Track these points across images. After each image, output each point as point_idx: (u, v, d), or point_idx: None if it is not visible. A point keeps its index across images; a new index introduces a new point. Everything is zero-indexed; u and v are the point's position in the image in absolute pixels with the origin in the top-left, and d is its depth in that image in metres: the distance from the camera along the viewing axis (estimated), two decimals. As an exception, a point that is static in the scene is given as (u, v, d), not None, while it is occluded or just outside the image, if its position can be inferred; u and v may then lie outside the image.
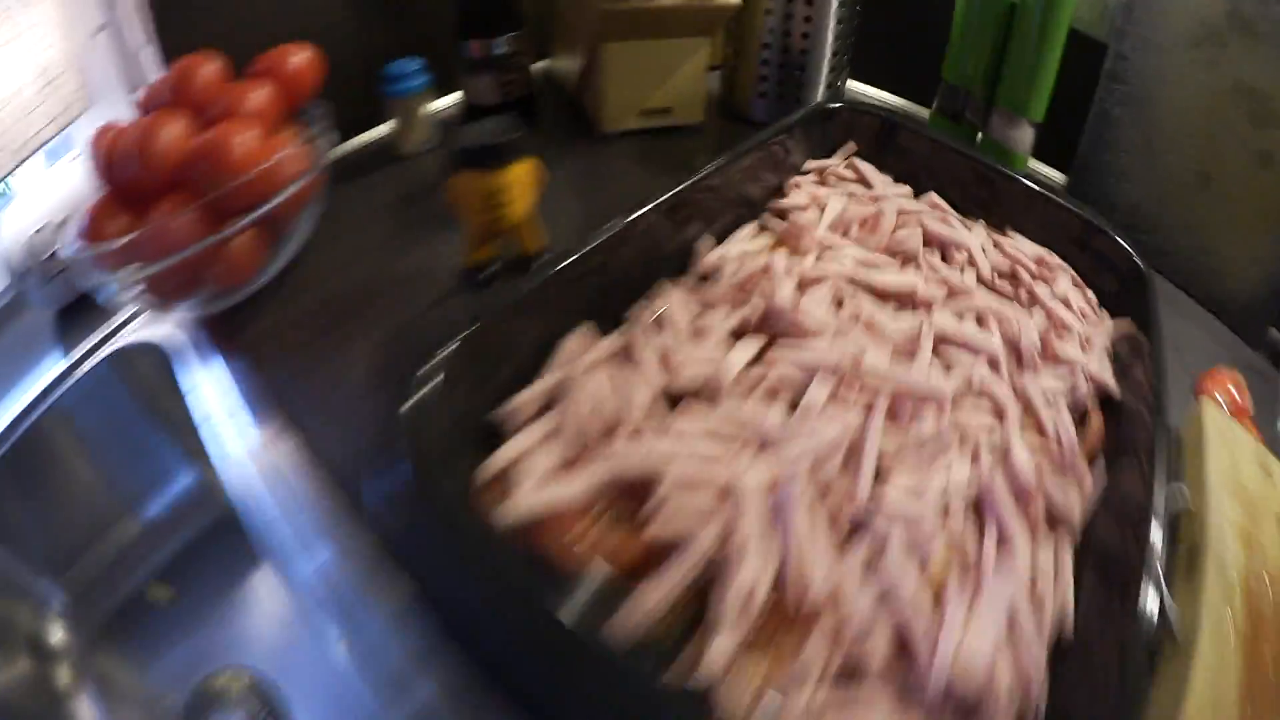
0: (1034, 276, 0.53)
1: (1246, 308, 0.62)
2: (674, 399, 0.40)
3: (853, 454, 0.38)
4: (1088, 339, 0.50)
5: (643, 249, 0.48)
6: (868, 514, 0.36)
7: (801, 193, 0.57)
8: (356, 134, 0.68)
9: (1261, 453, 0.50)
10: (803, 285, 0.47)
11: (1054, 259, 0.55)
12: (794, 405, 0.40)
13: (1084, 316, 0.52)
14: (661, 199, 0.49)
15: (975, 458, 0.40)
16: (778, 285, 0.46)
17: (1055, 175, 0.74)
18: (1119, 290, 0.55)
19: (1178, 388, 0.57)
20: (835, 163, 0.62)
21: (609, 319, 0.44)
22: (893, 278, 0.49)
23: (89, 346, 0.45)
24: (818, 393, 0.40)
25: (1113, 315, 0.53)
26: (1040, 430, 0.44)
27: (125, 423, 0.45)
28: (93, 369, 0.44)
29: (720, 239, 0.53)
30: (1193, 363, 0.58)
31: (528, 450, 0.34)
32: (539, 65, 0.79)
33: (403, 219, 0.57)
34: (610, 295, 0.45)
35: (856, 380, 0.41)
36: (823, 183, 0.61)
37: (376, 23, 0.65)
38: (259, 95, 0.41)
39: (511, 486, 0.32)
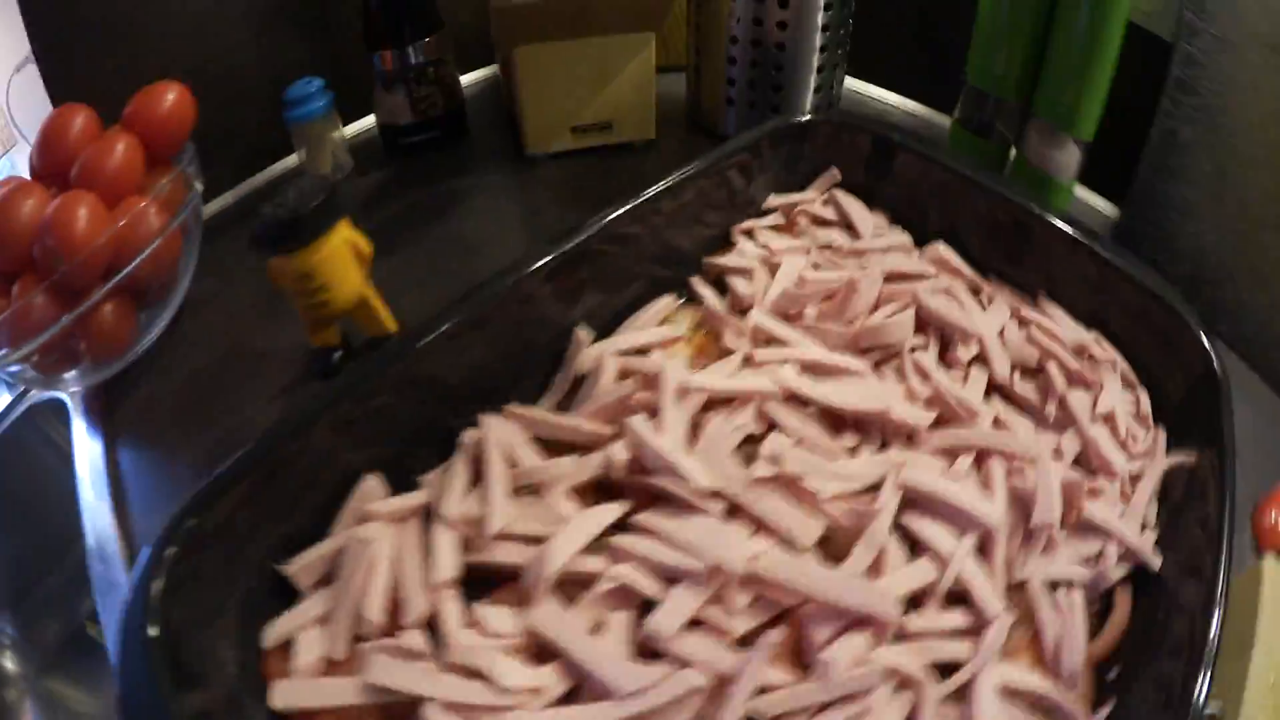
0: (1070, 379, 0.38)
1: (1334, 395, 0.48)
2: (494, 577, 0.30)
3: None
4: (1131, 481, 0.36)
5: (509, 336, 0.36)
6: None
7: (748, 247, 0.42)
8: (268, 165, 0.60)
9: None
10: (710, 407, 0.33)
11: (1102, 349, 0.40)
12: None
13: (1132, 441, 0.37)
14: (536, 263, 0.35)
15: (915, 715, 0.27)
16: (662, 417, 0.31)
17: (1104, 206, 0.57)
18: (1183, 398, 0.39)
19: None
20: (810, 198, 0.45)
21: (450, 438, 0.35)
22: (855, 394, 0.34)
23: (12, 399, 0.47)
24: (671, 616, 0.27)
25: (1169, 429, 0.38)
26: (1037, 648, 0.31)
27: (56, 466, 0.46)
28: (14, 420, 0.46)
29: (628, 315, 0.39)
30: (1254, 472, 0.44)
31: (303, 626, 0.29)
32: (481, 73, 0.70)
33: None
34: (457, 404, 0.35)
35: (749, 590, 0.28)
36: (789, 227, 0.44)
37: (286, 40, 0.58)
38: (118, 152, 0.40)
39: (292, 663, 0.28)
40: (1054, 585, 0.32)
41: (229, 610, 0.28)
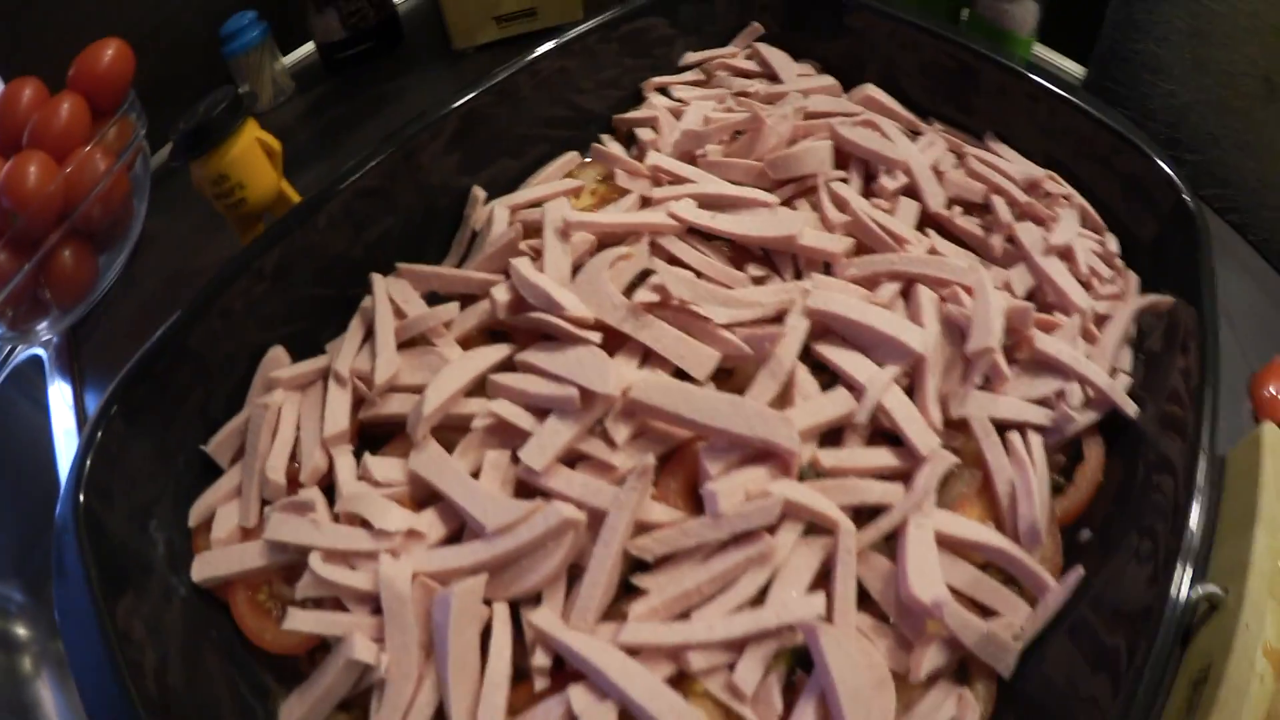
0: (1020, 213, 0.34)
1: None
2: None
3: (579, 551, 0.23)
4: (1096, 319, 0.32)
5: (411, 204, 0.35)
6: (579, 664, 0.22)
7: (659, 100, 0.39)
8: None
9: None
10: (602, 246, 0.29)
11: (1057, 184, 0.36)
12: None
13: (1096, 279, 0.33)
14: (424, 124, 0.34)
15: (825, 571, 0.23)
16: (545, 254, 0.28)
17: (1070, 66, 0.53)
18: (1156, 238, 0.35)
19: (1227, 383, 0.40)
20: (730, 52, 0.41)
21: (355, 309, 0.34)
22: (759, 224, 0.30)
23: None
24: (543, 446, 0.24)
25: (1144, 275, 0.35)
26: (989, 501, 0.26)
27: (42, 425, 0.47)
28: (4, 380, 0.49)
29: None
30: (1249, 344, 0.41)
31: (220, 500, 0.29)
32: None
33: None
34: (362, 275, 0.34)
35: (632, 423, 0.24)
36: (705, 81, 0.41)
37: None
38: (63, 112, 0.44)
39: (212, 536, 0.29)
40: (1010, 429, 0.28)
41: (162, 497, 0.29)
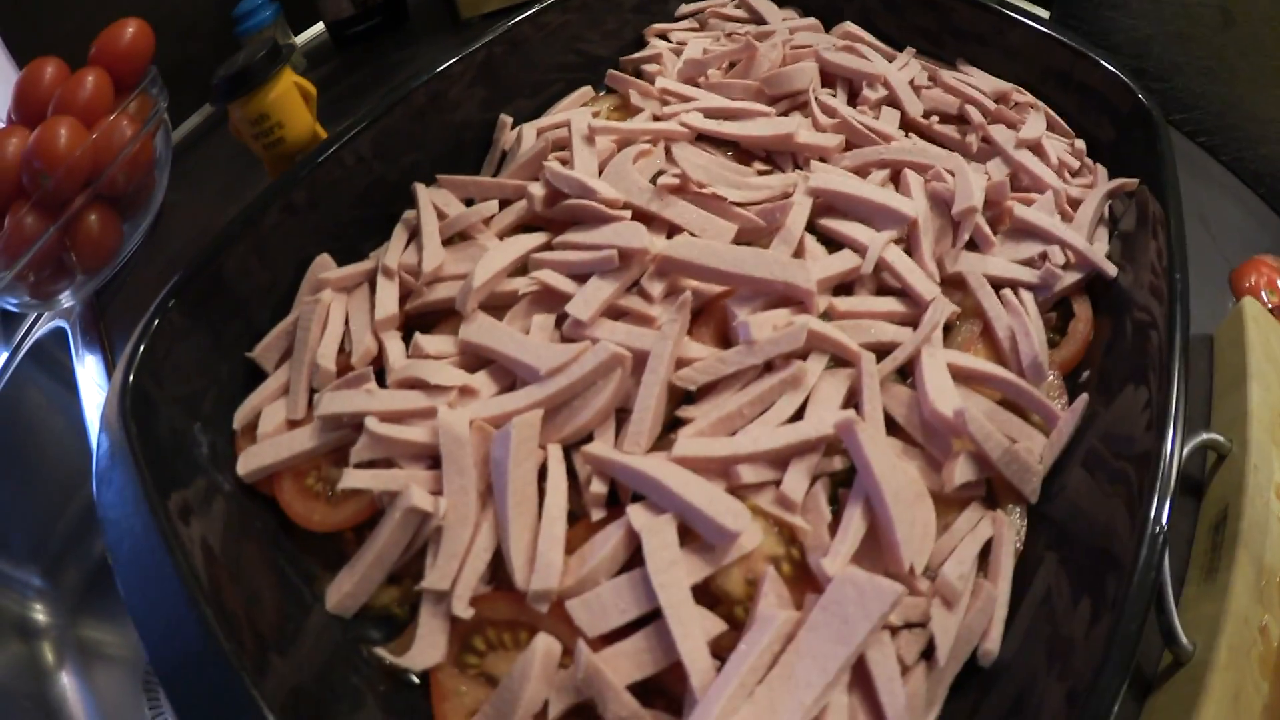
0: (990, 119, 0.38)
1: (1293, 179, 0.49)
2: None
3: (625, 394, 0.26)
4: (1069, 200, 0.36)
5: (439, 136, 0.38)
6: (635, 482, 0.24)
7: (660, 43, 0.44)
8: None
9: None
10: (620, 150, 0.33)
11: (1023, 95, 0.41)
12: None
13: (1067, 171, 0.37)
14: (447, 65, 0.37)
15: (854, 397, 0.26)
16: (573, 155, 0.32)
17: (1035, 9, 0.59)
18: (1117, 138, 0.40)
19: (1210, 280, 0.44)
20: (719, 1, 0.47)
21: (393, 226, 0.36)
22: (759, 127, 0.34)
23: (15, 342, 0.51)
24: (587, 299, 0.27)
25: (1111, 172, 0.39)
26: (990, 345, 0.30)
27: (62, 402, 0.49)
28: (20, 362, 0.50)
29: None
30: (1228, 248, 0.46)
31: (267, 399, 0.31)
32: None
33: (248, 159, 0.53)
34: (399, 194, 0.37)
35: (662, 278, 0.28)
36: (699, 29, 0.46)
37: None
38: (88, 84, 0.46)
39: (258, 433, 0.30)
40: (1002, 287, 0.32)
41: (205, 401, 0.30)
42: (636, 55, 0.44)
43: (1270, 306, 0.43)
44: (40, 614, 0.46)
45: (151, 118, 0.47)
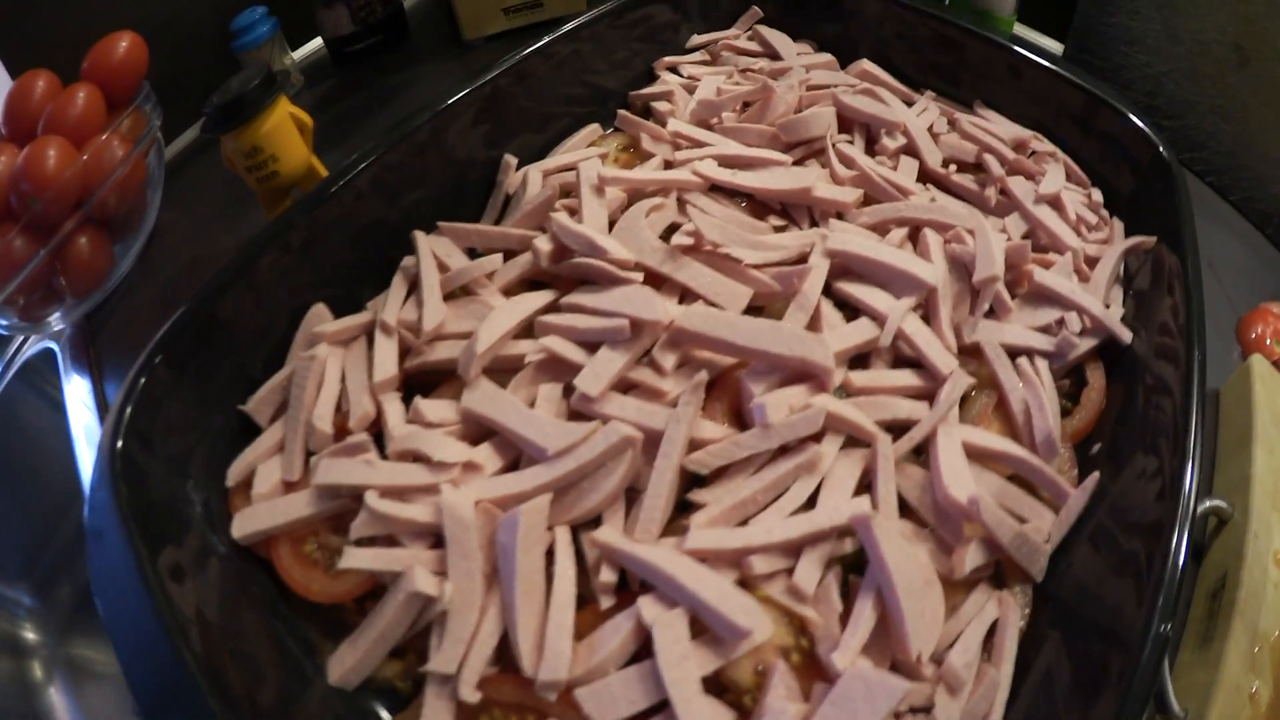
0: (1009, 169, 0.39)
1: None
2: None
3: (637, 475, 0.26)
4: (1087, 260, 0.36)
5: (442, 174, 0.38)
6: (646, 573, 0.24)
7: (671, 78, 0.43)
8: None
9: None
10: (631, 201, 0.33)
11: (1042, 143, 0.41)
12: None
13: (1084, 227, 0.38)
14: (451, 101, 0.37)
15: (868, 478, 0.27)
16: (582, 208, 0.32)
17: (1049, 44, 0.60)
18: (1136, 190, 0.41)
19: (1216, 329, 0.46)
20: (733, 34, 0.47)
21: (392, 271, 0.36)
22: (776, 179, 0.34)
23: (4, 361, 0.51)
24: (597, 374, 0.27)
25: (1128, 225, 0.40)
26: (1005, 418, 0.30)
27: (52, 422, 0.49)
28: (8, 382, 0.50)
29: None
30: (1234, 293, 0.47)
31: (262, 457, 0.31)
32: None
33: (240, 185, 0.54)
34: (399, 239, 0.36)
35: (678, 350, 0.28)
36: (711, 62, 0.46)
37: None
38: (79, 101, 0.46)
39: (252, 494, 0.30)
40: (1018, 355, 0.32)
41: (197, 457, 0.30)
42: (646, 91, 0.43)
43: (1277, 356, 0.44)
44: (30, 632, 0.47)
45: (144, 138, 0.48)
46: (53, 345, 0.48)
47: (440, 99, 0.37)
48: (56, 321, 0.47)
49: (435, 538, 0.27)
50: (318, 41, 0.66)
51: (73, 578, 0.50)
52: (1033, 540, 0.27)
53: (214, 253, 0.50)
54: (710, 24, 0.48)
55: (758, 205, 0.35)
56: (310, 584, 0.28)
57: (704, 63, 0.46)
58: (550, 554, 0.26)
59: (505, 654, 0.26)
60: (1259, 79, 0.49)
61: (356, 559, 0.26)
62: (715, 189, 0.35)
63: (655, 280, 0.30)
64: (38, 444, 0.50)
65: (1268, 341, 0.45)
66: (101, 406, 0.44)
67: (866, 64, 0.43)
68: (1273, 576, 0.33)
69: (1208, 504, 0.35)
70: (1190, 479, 0.28)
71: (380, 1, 0.61)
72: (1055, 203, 0.37)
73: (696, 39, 0.47)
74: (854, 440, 0.28)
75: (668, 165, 0.36)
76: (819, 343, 0.27)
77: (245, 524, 0.29)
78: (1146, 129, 0.40)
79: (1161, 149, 0.39)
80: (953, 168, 0.38)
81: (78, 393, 0.45)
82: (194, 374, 0.31)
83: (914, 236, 0.34)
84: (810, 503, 0.26)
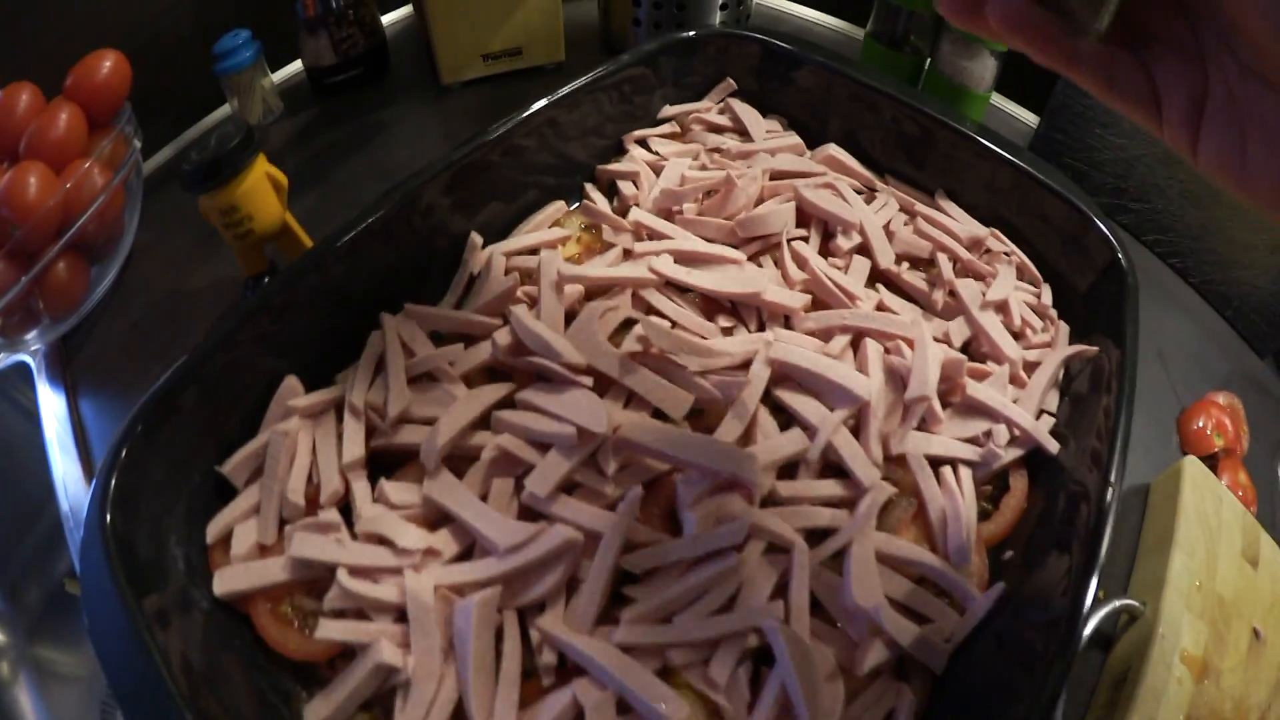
0: (960, 269, 0.43)
1: (1260, 307, 0.54)
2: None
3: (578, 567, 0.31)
4: (1026, 366, 0.40)
5: (412, 245, 0.41)
6: (581, 660, 0.29)
7: (638, 153, 0.47)
8: (203, 117, 0.68)
9: (1251, 531, 0.42)
10: (589, 295, 0.37)
11: (1000, 241, 0.45)
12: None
13: (1029, 329, 0.42)
14: (430, 172, 0.40)
15: (783, 583, 0.31)
16: (541, 303, 0.36)
17: (1026, 116, 0.63)
18: (1092, 286, 0.44)
19: (1158, 421, 0.50)
20: (704, 106, 0.50)
21: (360, 341, 0.40)
22: (729, 280, 0.38)
23: None
24: (545, 477, 0.32)
25: (1076, 324, 0.43)
26: (924, 526, 0.35)
27: (24, 430, 0.51)
28: None
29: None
30: (1182, 383, 0.51)
31: (239, 518, 0.35)
32: (403, 12, 0.78)
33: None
34: (368, 310, 0.40)
35: (620, 456, 0.32)
36: (682, 135, 0.49)
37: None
38: (61, 122, 0.48)
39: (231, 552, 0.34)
40: (943, 464, 0.37)
41: (177, 513, 0.34)
42: (613, 167, 0.47)
43: (1216, 449, 0.48)
44: (-2, 635, 0.50)
45: (125, 163, 0.50)
46: (27, 359, 0.51)
47: (418, 162, 0.41)
48: (34, 341, 0.50)
49: (399, 613, 0.31)
50: (297, 64, 0.68)
51: (41, 580, 0.53)
52: (933, 641, 0.32)
53: (188, 280, 0.54)
54: (682, 91, 0.52)
55: (710, 302, 0.39)
56: (286, 642, 0.33)
57: (672, 135, 0.50)
58: (500, 633, 0.31)
59: (461, 715, 0.30)
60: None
61: (331, 630, 0.31)
62: (670, 285, 0.39)
63: (605, 380, 0.35)
64: (10, 450, 0.52)
65: (1209, 432, 0.49)
66: (78, 426, 0.48)
67: (833, 149, 0.47)
68: (1177, 672, 0.37)
69: (1118, 603, 0.39)
70: (1092, 586, 0.31)
71: (363, 34, 0.64)
72: (1002, 307, 0.41)
73: (668, 110, 0.51)
74: (775, 543, 0.32)
75: (627, 254, 0.40)
76: (749, 458, 0.32)
77: (226, 582, 0.33)
78: (1109, 233, 0.43)
79: (1119, 254, 0.42)
80: (905, 265, 0.42)
81: (51, 405, 0.48)
82: (172, 442, 0.34)
83: (856, 343, 0.38)
84: (730, 601, 0.31)
